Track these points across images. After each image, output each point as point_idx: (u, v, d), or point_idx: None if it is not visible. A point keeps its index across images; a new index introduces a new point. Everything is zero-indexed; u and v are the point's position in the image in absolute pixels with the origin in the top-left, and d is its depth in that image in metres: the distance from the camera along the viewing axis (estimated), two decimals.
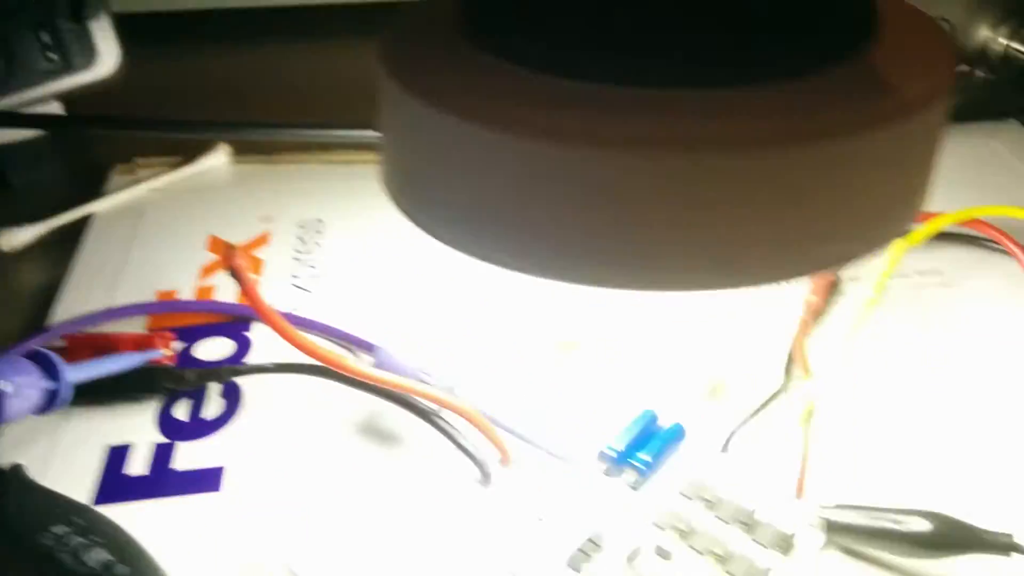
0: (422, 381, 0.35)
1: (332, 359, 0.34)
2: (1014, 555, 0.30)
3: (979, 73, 0.59)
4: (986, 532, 0.30)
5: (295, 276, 0.46)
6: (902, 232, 0.26)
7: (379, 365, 0.36)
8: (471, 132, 0.23)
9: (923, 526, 0.30)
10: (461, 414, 0.35)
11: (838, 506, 0.32)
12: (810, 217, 0.24)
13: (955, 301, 0.44)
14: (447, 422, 0.35)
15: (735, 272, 0.24)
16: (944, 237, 0.47)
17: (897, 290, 0.45)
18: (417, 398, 0.36)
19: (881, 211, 0.26)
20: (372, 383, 0.35)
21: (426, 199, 0.26)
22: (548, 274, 0.25)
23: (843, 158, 0.24)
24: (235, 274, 0.35)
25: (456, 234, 0.26)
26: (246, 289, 0.33)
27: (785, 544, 0.32)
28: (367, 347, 0.39)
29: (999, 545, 0.29)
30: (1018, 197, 0.46)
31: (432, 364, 0.37)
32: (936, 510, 0.31)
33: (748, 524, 0.33)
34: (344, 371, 0.35)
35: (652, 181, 0.22)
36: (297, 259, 0.48)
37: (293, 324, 0.34)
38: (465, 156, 0.24)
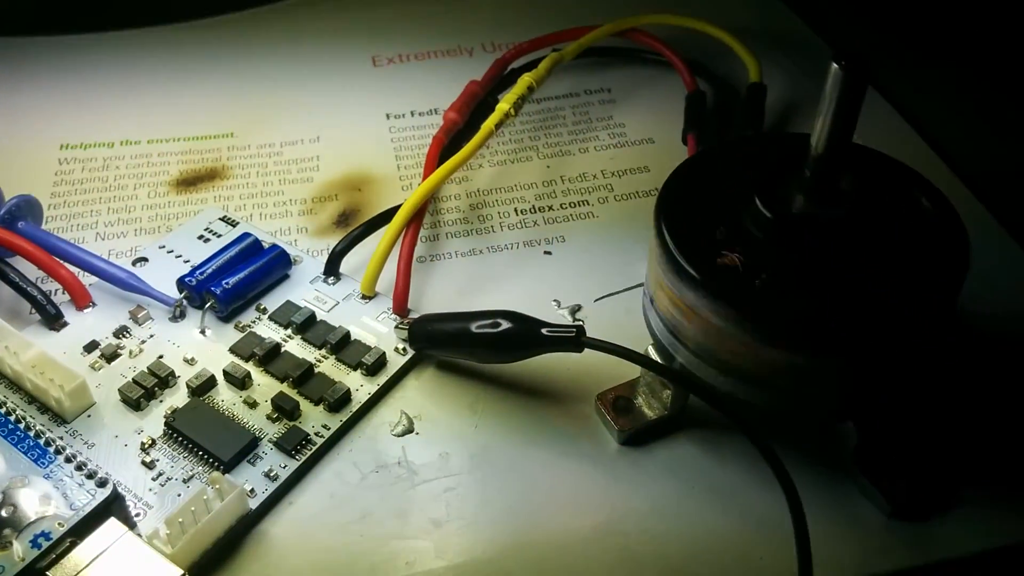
0: None
1: None
2: (586, 351, 0.28)
3: None
4: (555, 327, 0.28)
5: None
6: None
7: None
8: None
9: (499, 327, 0.28)
10: (17, 250, 0.31)
11: (423, 316, 0.30)
12: None
13: (616, 116, 0.42)
14: (5, 262, 0.31)
15: None
16: (616, 55, 0.45)
17: (563, 109, 0.43)
18: None
19: None
20: None
21: None
22: None
23: None
24: None
25: None
26: None
27: (371, 362, 0.30)
28: None
29: (569, 340, 0.28)
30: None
31: None
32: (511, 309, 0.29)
33: (337, 345, 0.30)
34: None
35: None
36: None
37: None
38: None
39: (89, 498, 0.24)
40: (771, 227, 0.25)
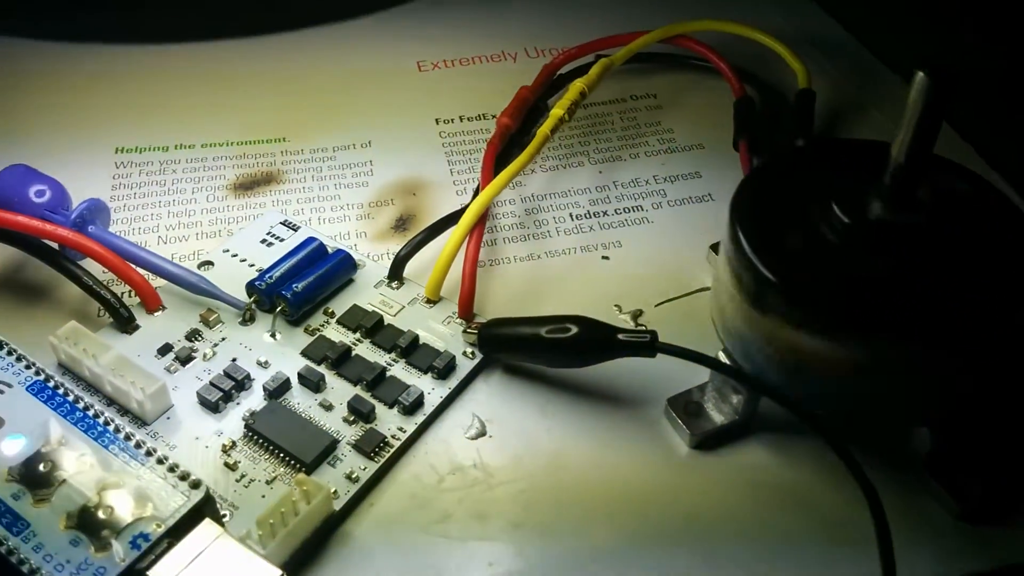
0: (45, 219, 0.31)
1: None
2: (660, 356, 0.28)
3: None
4: (629, 332, 0.28)
5: None
6: None
7: None
8: None
9: (570, 332, 0.29)
10: (90, 253, 0.31)
11: (492, 321, 0.31)
12: None
13: (664, 122, 0.42)
14: (76, 264, 0.32)
15: None
16: (665, 60, 0.45)
17: (610, 115, 0.43)
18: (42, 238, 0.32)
19: None
20: None
21: None
22: None
23: None
24: None
25: None
26: None
27: (442, 366, 0.30)
28: None
29: (643, 346, 0.28)
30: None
31: (63, 200, 0.33)
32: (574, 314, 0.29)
33: (405, 349, 0.31)
34: None
35: None
36: None
37: None
38: None
39: (184, 499, 0.24)
40: (848, 233, 0.26)
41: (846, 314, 0.25)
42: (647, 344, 0.28)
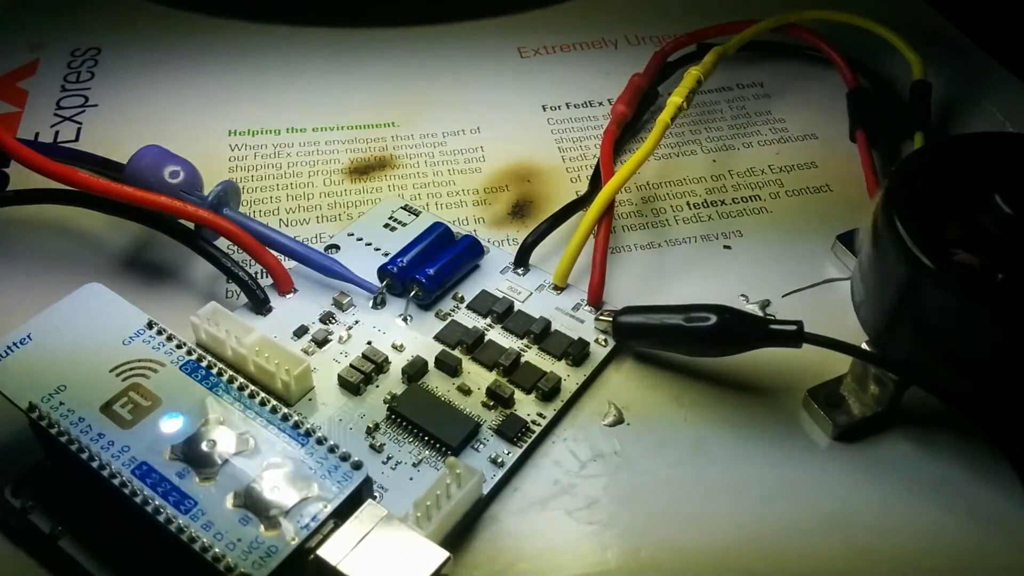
0: (181, 199, 0.32)
1: (63, 172, 0.30)
2: (805, 345, 0.28)
3: None
4: (775, 322, 0.28)
5: (62, 108, 0.41)
6: None
7: (130, 181, 0.32)
8: None
9: (710, 321, 0.29)
10: (229, 235, 0.31)
11: (626, 308, 0.31)
12: None
13: (774, 111, 0.42)
14: (213, 245, 0.32)
15: None
16: (768, 49, 0.45)
17: (718, 103, 0.43)
18: (178, 218, 0.32)
19: None
20: (119, 199, 0.31)
21: None
22: None
23: None
24: None
25: None
26: None
27: (576, 353, 0.30)
28: (118, 168, 0.34)
29: (789, 336, 0.28)
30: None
31: (195, 181, 0.33)
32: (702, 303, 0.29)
33: (538, 335, 0.31)
34: (78, 184, 0.31)
35: None
36: (66, 89, 0.43)
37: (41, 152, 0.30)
38: None
39: (346, 480, 0.24)
40: (1012, 224, 0.25)
41: (1008, 305, 0.24)
42: (794, 334, 0.28)
